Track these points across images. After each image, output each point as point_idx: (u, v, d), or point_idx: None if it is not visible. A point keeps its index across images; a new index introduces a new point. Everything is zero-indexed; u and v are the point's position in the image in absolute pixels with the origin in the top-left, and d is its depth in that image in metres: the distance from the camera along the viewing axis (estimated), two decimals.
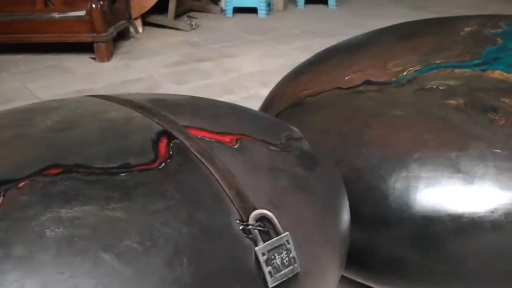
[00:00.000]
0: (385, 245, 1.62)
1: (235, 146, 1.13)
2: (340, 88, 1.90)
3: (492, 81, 1.78)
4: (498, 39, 1.97)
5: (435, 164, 1.59)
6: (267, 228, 0.97)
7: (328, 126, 1.80)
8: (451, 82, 1.79)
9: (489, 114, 1.67)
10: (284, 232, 0.98)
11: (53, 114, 1.13)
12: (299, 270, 0.98)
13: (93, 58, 4.93)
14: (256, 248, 0.94)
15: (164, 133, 1.05)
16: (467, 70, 1.84)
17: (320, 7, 7.19)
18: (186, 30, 5.85)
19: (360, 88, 1.86)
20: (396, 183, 1.59)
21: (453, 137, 1.64)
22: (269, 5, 6.82)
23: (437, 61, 1.89)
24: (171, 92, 4.00)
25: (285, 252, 0.96)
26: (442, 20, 2.33)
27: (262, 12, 6.65)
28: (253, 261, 0.94)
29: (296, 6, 7.26)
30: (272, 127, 1.32)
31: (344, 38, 2.42)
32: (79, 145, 1.00)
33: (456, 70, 1.84)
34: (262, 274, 0.93)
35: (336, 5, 7.23)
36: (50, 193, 0.87)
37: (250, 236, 0.95)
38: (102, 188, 0.90)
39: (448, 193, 1.56)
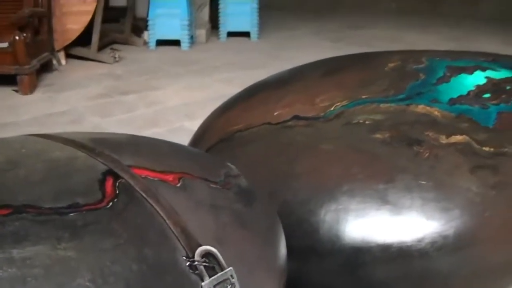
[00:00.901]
0: (317, 276, 1.66)
1: (178, 185, 1.15)
2: (269, 123, 1.94)
3: (416, 115, 1.86)
4: (421, 74, 2.06)
5: (364, 196, 1.65)
6: (212, 264, 1.00)
7: (258, 160, 1.84)
8: (377, 117, 1.86)
9: (414, 147, 1.74)
10: (228, 267, 1.01)
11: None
12: None
13: (16, 91, 4.85)
14: (203, 284, 0.97)
15: (109, 172, 1.07)
16: (392, 104, 1.91)
17: (242, 40, 7.28)
18: (109, 63, 5.83)
19: (289, 123, 1.91)
20: (326, 216, 1.64)
21: (380, 170, 1.70)
22: (192, 37, 6.87)
23: (363, 96, 1.96)
24: (96, 125, 3.98)
25: (230, 286, 0.99)
26: (366, 55, 2.41)
27: (185, 45, 6.69)
28: None
29: (219, 38, 7.33)
30: (211, 165, 1.35)
31: (266, 70, 2.48)
32: (26, 185, 1.01)
33: (381, 105, 1.91)
34: None
35: (258, 38, 7.34)
36: (0, 233, 0.87)
37: (197, 272, 0.98)
38: (53, 227, 0.91)
39: (377, 224, 1.62)
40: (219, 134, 2.03)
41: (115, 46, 6.51)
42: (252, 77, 2.45)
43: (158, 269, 0.94)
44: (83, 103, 4.62)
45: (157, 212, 1.03)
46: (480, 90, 1.99)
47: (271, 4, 7.88)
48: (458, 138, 1.77)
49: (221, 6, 7.28)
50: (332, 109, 1.93)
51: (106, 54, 6.01)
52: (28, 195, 0.97)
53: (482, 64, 2.18)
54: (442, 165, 1.70)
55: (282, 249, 1.33)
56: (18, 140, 1.25)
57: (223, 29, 7.32)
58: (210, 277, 0.98)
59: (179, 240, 1.00)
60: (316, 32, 7.84)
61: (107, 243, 0.92)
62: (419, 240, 1.60)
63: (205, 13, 7.31)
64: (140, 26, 7.05)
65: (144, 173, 1.12)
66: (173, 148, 1.39)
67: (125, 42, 6.73)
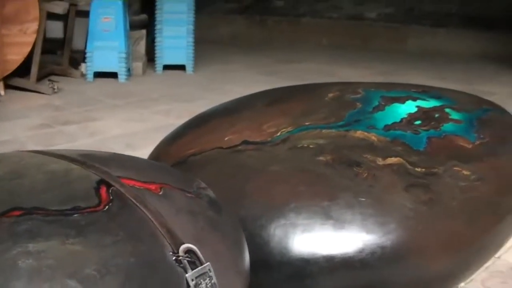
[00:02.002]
0: (268, 287, 1.80)
1: (160, 193, 1.30)
2: (221, 147, 2.09)
3: (355, 140, 2.05)
4: (358, 103, 2.25)
5: (309, 213, 1.81)
6: (193, 259, 1.15)
7: (212, 181, 1.98)
8: (320, 141, 2.04)
9: (354, 168, 1.92)
10: (207, 262, 1.15)
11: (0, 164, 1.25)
12: None
13: None
14: (187, 275, 1.11)
15: (102, 181, 1.21)
16: (333, 130, 2.09)
17: (178, 73, 7.41)
18: (48, 94, 5.88)
19: (239, 147, 2.07)
20: (276, 230, 1.79)
21: (324, 189, 1.87)
22: (129, 70, 6.97)
23: (307, 123, 2.14)
24: None
25: (208, 278, 1.13)
26: (307, 86, 2.61)
27: (122, 77, 6.78)
28: (185, 285, 1.11)
29: (155, 71, 7.44)
30: (183, 178, 1.50)
31: (203, 102, 2.61)
32: (32, 192, 1.14)
33: (324, 131, 2.09)
34: None
35: (193, 71, 7.49)
36: (16, 231, 1.00)
37: (181, 265, 1.13)
38: (60, 226, 1.04)
39: (322, 237, 1.78)
40: (174, 158, 2.17)
41: (53, 77, 6.56)
42: (189, 109, 2.59)
43: (150, 262, 1.09)
44: (24, 133, 4.67)
45: (146, 215, 1.17)
46: (411, 117, 2.20)
47: (205, 39, 8.04)
48: (393, 160, 1.96)
49: (158, 40, 7.40)
50: (278, 134, 2.09)
51: (45, 85, 6.05)
52: (35, 200, 1.10)
53: (413, 95, 2.39)
54: (379, 184, 1.89)
55: (247, 253, 1.48)
56: (15, 155, 1.37)
57: (160, 62, 7.44)
58: (192, 270, 1.13)
59: (166, 239, 1.15)
60: (248, 66, 8.02)
61: (107, 239, 1.06)
62: (360, 251, 1.77)
63: (142, 46, 7.43)
64: (77, 58, 7.11)
65: (131, 183, 1.26)
66: (149, 163, 1.54)
67: (62, 74, 6.78)
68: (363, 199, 1.83)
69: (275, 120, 2.19)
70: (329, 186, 1.88)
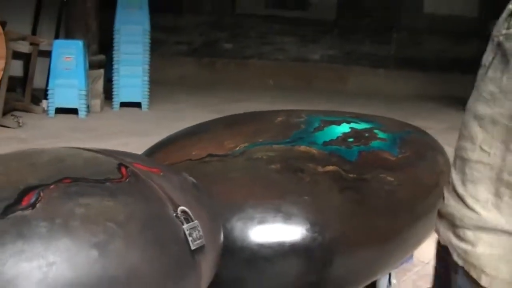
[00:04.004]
0: (231, 268, 2.23)
1: (161, 174, 1.74)
2: (190, 159, 2.53)
3: (299, 153, 2.52)
4: (301, 125, 2.73)
5: (263, 208, 2.25)
6: (187, 217, 1.59)
7: None
8: (271, 154, 2.49)
9: (298, 174, 2.39)
10: (195, 220, 1.60)
11: (47, 153, 1.68)
12: (204, 243, 1.60)
13: None
14: (183, 226, 1.55)
15: (121, 164, 1.64)
16: (282, 145, 2.56)
17: (134, 110, 7.83)
18: (13, 127, 6.24)
19: (206, 159, 2.51)
20: (237, 222, 2.22)
21: (275, 190, 2.32)
22: (88, 106, 7.36)
23: (260, 140, 2.60)
24: None
25: (197, 231, 1.57)
26: (258, 112, 3.08)
27: (82, 113, 7.17)
28: (182, 234, 1.55)
29: (112, 108, 7.84)
30: (173, 168, 1.96)
31: (157, 137, 2.99)
32: (75, 169, 1.57)
33: (274, 146, 2.55)
34: (187, 241, 1.54)
35: (148, 108, 7.91)
36: (69, 191, 1.43)
37: (180, 220, 1.56)
38: (99, 190, 1.47)
39: (274, 227, 2.22)
40: None
41: (16, 113, 6.91)
42: (145, 142, 2.94)
43: (159, 215, 1.53)
44: None
45: (153, 186, 1.61)
46: (345, 136, 2.69)
47: (155, 79, 8.37)
48: (330, 168, 2.43)
49: (115, 79, 7.82)
50: (237, 149, 2.55)
51: (10, 120, 6.41)
52: (79, 173, 1.53)
53: (348, 119, 2.89)
54: (319, 187, 2.35)
55: (221, 228, 1.93)
56: (54, 148, 1.80)
57: (116, 100, 7.84)
58: (187, 223, 1.57)
59: (168, 202, 1.59)
60: (198, 105, 8.44)
61: (130, 199, 1.49)
62: (304, 238, 2.22)
63: (100, 84, 7.84)
64: (37, 95, 7.48)
65: (140, 166, 1.71)
66: (148, 158, 1.99)
67: (24, 110, 7.14)
68: (306, 198, 2.29)
69: (233, 138, 2.64)
70: (279, 188, 2.33)
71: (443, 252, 1.36)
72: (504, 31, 1.24)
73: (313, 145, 2.57)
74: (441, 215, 1.35)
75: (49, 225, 1.30)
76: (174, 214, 1.55)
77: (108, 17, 7.76)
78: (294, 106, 8.33)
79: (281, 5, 11.05)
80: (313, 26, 10.80)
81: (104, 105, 7.90)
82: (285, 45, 10.93)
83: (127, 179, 1.56)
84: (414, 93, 9.66)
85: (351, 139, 2.67)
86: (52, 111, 7.12)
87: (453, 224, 1.31)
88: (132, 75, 7.83)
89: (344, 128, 2.77)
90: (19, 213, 1.31)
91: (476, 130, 1.27)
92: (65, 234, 1.30)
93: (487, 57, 1.28)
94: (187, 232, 1.54)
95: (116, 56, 7.81)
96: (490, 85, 1.24)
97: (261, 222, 2.23)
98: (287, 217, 2.24)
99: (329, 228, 2.25)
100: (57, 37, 7.85)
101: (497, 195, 1.24)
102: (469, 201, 1.27)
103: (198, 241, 1.56)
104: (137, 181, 1.58)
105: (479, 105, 1.27)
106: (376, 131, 2.82)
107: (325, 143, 2.60)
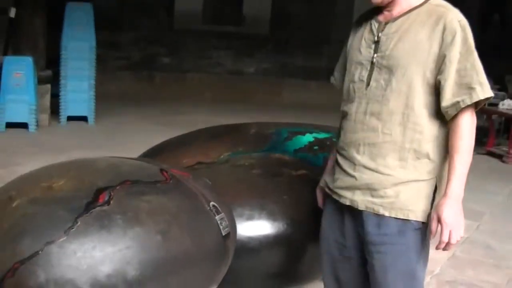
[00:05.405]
0: None
1: (190, 177, 2.15)
2: (181, 167, 2.93)
3: (275, 160, 2.95)
4: (274, 136, 3.17)
5: (250, 206, 2.67)
6: (217, 210, 2.00)
7: None
8: (252, 161, 2.92)
9: (276, 178, 2.82)
10: (222, 212, 2.01)
11: (102, 161, 2.07)
12: (230, 231, 2.02)
13: None
14: (216, 217, 1.96)
15: (162, 169, 2.04)
16: (259, 153, 2.98)
17: (80, 123, 8.00)
18: None
19: (195, 166, 2.91)
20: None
21: (258, 191, 2.75)
22: (37, 121, 7.52)
23: (240, 149, 3.02)
24: None
25: (225, 221, 1.99)
26: (232, 125, 3.50)
27: (32, 127, 7.34)
28: (215, 222, 1.96)
29: (59, 122, 7.99)
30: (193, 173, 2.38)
31: (106, 149, 3.37)
32: (130, 173, 1.96)
33: (252, 154, 2.98)
34: (219, 229, 1.95)
35: (94, 122, 8.12)
36: (132, 191, 1.82)
37: (213, 212, 1.97)
38: (153, 189, 1.88)
39: (260, 222, 2.64)
40: None
41: None
42: (97, 155, 3.27)
43: (198, 208, 1.95)
44: None
45: (190, 186, 2.01)
46: (311, 144, 3.13)
47: (99, 93, 8.50)
48: (302, 172, 2.87)
49: (62, 94, 7.97)
50: (222, 157, 2.96)
51: None
52: (134, 177, 1.92)
53: (310, 130, 3.33)
54: (295, 188, 2.79)
55: (235, 223, 2.32)
56: (104, 157, 2.19)
57: (64, 114, 7.99)
58: (218, 215, 1.98)
59: (202, 198, 2.00)
60: (141, 118, 8.70)
61: (176, 196, 1.90)
62: (285, 230, 2.65)
63: (47, 99, 7.98)
64: None
65: (175, 171, 2.11)
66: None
67: None
68: (285, 197, 2.72)
69: (217, 148, 3.05)
70: (262, 189, 2.76)
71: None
72: None
73: (286, 153, 3.01)
74: (354, 188, 2.06)
75: (123, 217, 1.70)
76: (208, 208, 1.96)
77: (55, 33, 7.92)
78: (234, 119, 8.64)
79: (217, 21, 11.47)
80: (248, 41, 11.21)
81: (51, 120, 8.05)
82: (221, 59, 11.31)
83: (171, 181, 1.97)
84: None
85: (316, 147, 3.11)
86: (2, 126, 7.27)
87: (372, 189, 2.04)
88: (78, 90, 7.99)
89: (309, 138, 3.21)
90: (98, 208, 1.71)
91: (375, 123, 2.02)
92: (136, 224, 1.70)
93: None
94: (218, 222, 1.95)
95: (64, 71, 7.96)
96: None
97: (249, 218, 2.64)
98: (271, 214, 2.67)
99: (305, 221, 2.68)
100: (5, 53, 7.99)
101: (402, 159, 2.01)
102: (382, 169, 2.03)
103: (226, 229, 1.98)
104: (178, 182, 1.99)
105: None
106: (334, 139, 3.27)
107: (296, 151, 3.05)
